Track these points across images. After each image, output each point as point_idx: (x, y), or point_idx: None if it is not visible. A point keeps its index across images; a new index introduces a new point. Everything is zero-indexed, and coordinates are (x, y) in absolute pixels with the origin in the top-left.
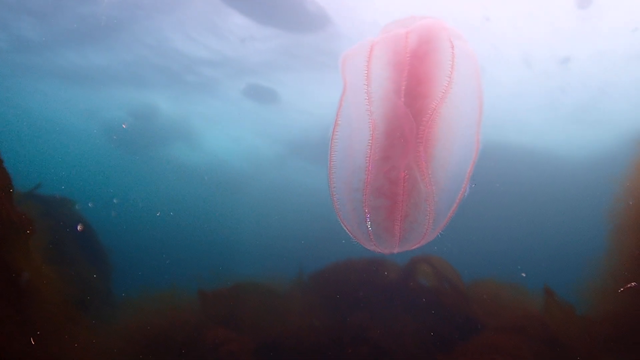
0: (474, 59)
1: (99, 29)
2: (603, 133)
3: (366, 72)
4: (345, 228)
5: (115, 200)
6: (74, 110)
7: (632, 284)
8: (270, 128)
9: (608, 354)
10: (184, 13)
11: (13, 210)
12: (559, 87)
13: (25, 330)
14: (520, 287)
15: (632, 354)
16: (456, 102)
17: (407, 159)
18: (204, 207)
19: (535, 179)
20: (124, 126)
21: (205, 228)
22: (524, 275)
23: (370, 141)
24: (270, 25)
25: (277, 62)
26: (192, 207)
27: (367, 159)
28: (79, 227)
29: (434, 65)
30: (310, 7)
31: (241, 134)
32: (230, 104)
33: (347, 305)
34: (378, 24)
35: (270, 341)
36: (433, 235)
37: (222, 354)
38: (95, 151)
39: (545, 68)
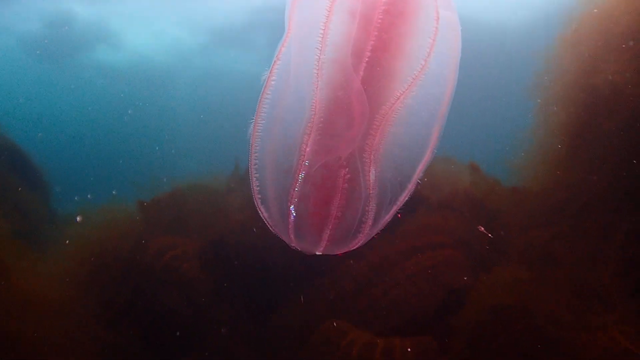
0: (457, 36)
1: None
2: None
3: (324, 19)
4: (262, 217)
5: (42, 117)
6: None
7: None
8: (192, 16)
9: (536, 225)
10: None
11: None
12: None
13: None
14: (453, 161)
15: (559, 225)
16: (423, 89)
17: (351, 148)
18: (133, 109)
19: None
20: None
21: (137, 132)
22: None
23: (309, 118)
24: None
25: None
26: (121, 111)
27: (302, 141)
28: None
29: (409, 33)
30: None
31: (162, 28)
32: None
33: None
34: None
35: (214, 240)
36: (365, 241)
37: (168, 260)
38: (16, 68)
39: None
